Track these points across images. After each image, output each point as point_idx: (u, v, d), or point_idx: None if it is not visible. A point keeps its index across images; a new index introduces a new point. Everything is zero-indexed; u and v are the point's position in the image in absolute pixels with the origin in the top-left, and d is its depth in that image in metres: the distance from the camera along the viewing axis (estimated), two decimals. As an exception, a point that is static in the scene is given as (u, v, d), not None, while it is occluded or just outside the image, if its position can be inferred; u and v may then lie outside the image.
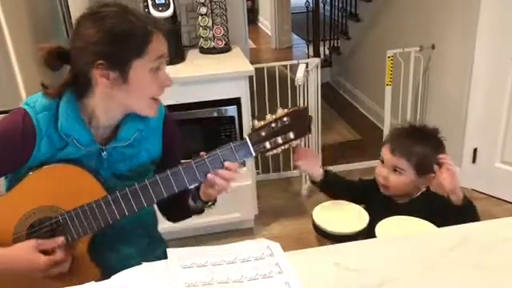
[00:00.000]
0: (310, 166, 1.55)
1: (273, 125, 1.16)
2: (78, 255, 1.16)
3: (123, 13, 1.10)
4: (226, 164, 1.16)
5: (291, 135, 1.17)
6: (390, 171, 1.54)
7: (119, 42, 1.07)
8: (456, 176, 1.40)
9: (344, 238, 1.39)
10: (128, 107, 1.16)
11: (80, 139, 1.14)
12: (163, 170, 1.17)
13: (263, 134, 1.16)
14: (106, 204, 1.12)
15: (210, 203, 1.30)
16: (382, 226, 1.37)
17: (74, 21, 1.15)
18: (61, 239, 1.13)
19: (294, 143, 1.18)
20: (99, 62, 1.07)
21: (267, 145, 1.17)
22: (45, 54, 1.11)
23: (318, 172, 1.56)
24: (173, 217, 1.42)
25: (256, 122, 1.19)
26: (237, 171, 1.18)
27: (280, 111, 1.18)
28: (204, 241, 2.50)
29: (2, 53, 1.94)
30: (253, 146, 1.16)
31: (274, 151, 1.18)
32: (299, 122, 1.17)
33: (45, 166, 1.13)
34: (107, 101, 1.13)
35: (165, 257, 1.23)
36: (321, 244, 1.48)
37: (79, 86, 1.13)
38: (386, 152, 1.55)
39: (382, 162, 1.57)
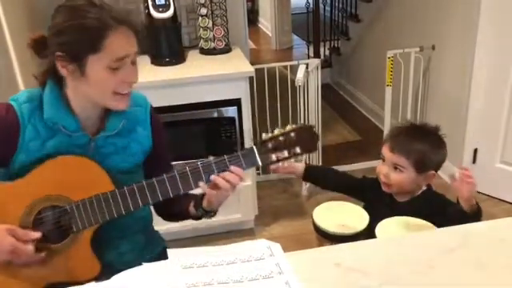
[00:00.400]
0: (286, 170, 1.60)
1: (280, 138, 1.20)
2: (80, 246, 1.18)
3: (87, 6, 1.10)
4: (232, 167, 1.18)
5: (298, 150, 1.21)
6: (391, 169, 1.54)
7: (73, 36, 1.09)
8: (475, 187, 1.41)
9: (344, 239, 1.39)
10: (94, 100, 1.17)
11: (66, 125, 1.17)
12: (153, 164, 1.19)
13: (270, 145, 1.20)
14: (113, 197, 1.15)
15: (211, 213, 1.30)
16: (382, 227, 1.37)
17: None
18: (37, 234, 1.13)
19: (300, 158, 1.22)
20: (58, 53, 1.10)
21: (273, 157, 1.20)
22: (31, 41, 1.14)
23: (296, 171, 1.64)
24: (167, 217, 1.43)
25: (264, 134, 1.23)
26: (242, 177, 1.19)
27: (288, 127, 1.22)
28: (204, 241, 2.50)
29: (2, 53, 1.94)
30: (259, 155, 1.19)
31: (280, 164, 1.22)
32: (305, 139, 1.21)
33: (60, 156, 1.16)
34: (76, 92, 1.17)
35: (163, 256, 1.23)
36: (321, 244, 1.48)
37: (56, 76, 1.16)
38: (385, 150, 1.56)
39: (383, 160, 1.58)
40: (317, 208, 1.52)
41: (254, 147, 1.19)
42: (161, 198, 1.17)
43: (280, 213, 2.79)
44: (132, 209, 1.16)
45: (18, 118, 1.15)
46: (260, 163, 1.20)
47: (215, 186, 1.19)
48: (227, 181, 1.17)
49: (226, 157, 1.18)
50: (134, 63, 1.17)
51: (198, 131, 2.37)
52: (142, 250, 1.35)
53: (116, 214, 1.16)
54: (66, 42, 1.09)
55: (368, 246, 1.13)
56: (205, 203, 1.26)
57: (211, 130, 2.36)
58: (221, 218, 2.50)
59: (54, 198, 1.16)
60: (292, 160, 1.22)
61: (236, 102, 2.34)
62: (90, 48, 1.08)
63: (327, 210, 1.53)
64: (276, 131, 1.21)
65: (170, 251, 1.05)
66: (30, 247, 1.12)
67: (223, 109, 2.33)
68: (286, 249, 1.05)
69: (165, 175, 1.16)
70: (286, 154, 1.20)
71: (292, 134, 1.20)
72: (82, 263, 1.18)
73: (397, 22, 3.52)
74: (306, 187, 2.93)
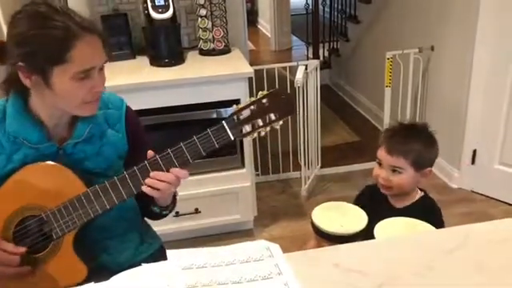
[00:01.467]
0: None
1: (252, 107, 1.12)
2: (64, 252, 1.16)
3: (49, 13, 1.04)
4: (171, 169, 1.12)
5: (273, 116, 1.13)
6: (390, 172, 1.55)
7: (35, 47, 1.03)
8: None
9: (343, 239, 1.39)
10: (61, 108, 1.13)
11: (29, 138, 1.13)
12: (133, 163, 1.16)
13: (241, 117, 1.13)
14: (87, 198, 1.12)
15: (169, 208, 1.27)
16: (380, 227, 1.37)
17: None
18: (22, 249, 1.12)
19: (277, 124, 1.14)
20: (19, 64, 1.04)
21: (247, 127, 1.13)
22: None
23: None
24: (146, 216, 1.40)
25: (235, 105, 1.16)
26: (179, 176, 1.13)
27: (260, 93, 1.14)
28: (203, 242, 2.50)
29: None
30: (230, 129, 1.12)
31: (255, 134, 1.14)
32: (280, 103, 1.13)
33: (27, 165, 1.12)
34: (42, 101, 1.12)
35: (160, 253, 1.22)
36: (320, 245, 1.48)
37: (19, 85, 1.10)
38: (382, 154, 1.56)
39: (380, 164, 1.57)
40: (316, 208, 1.52)
41: (224, 122, 1.12)
42: (135, 191, 1.13)
43: (279, 214, 2.79)
44: (108, 207, 1.13)
45: None
46: (232, 137, 1.12)
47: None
48: (162, 181, 1.12)
49: (195, 138, 1.12)
50: (101, 69, 1.12)
51: (197, 132, 2.36)
52: (136, 249, 1.33)
53: (93, 214, 1.13)
54: (29, 52, 1.03)
55: (367, 246, 1.13)
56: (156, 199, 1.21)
57: (210, 130, 2.36)
58: (220, 219, 2.51)
59: (29, 208, 1.13)
60: (268, 128, 1.14)
61: (235, 103, 2.32)
62: (55, 59, 1.03)
63: (326, 210, 1.52)
64: (247, 100, 1.14)
65: (169, 252, 1.04)
66: (16, 260, 1.11)
67: (222, 110, 2.33)
68: (285, 249, 1.05)
69: (135, 167, 1.12)
70: (260, 122, 1.12)
71: (264, 101, 1.12)
72: (67, 269, 1.17)
73: (396, 23, 3.52)
74: (305, 188, 2.93)
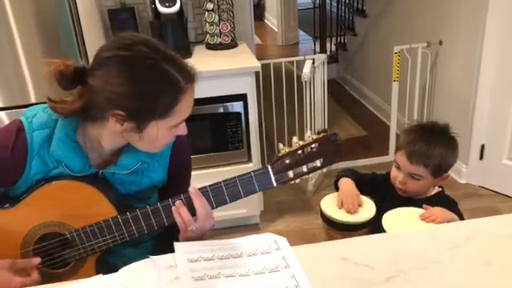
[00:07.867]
0: None
1: (299, 152, 1.07)
2: (85, 271, 1.13)
3: (156, 63, 0.98)
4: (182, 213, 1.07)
5: (318, 163, 1.08)
6: (407, 177, 1.51)
7: (144, 103, 0.98)
8: (442, 219, 1.36)
9: (351, 227, 1.40)
10: (131, 143, 1.09)
11: (71, 166, 1.08)
12: (168, 191, 1.13)
13: (287, 162, 1.07)
14: (116, 224, 1.09)
15: None
16: (388, 217, 1.37)
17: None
18: (37, 260, 1.08)
19: (319, 172, 1.09)
20: (117, 112, 0.99)
21: (290, 174, 1.08)
22: (56, 73, 1.00)
23: None
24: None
25: (281, 145, 1.10)
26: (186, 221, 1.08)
27: (308, 135, 1.09)
28: (209, 236, 2.51)
29: (12, 51, 1.96)
30: (275, 175, 1.08)
31: (297, 181, 1.09)
32: (328, 150, 1.08)
33: (55, 181, 1.08)
34: (115, 136, 1.07)
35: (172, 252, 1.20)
36: (329, 235, 1.48)
37: (90, 114, 1.05)
38: (401, 159, 1.51)
39: (398, 167, 1.54)
40: (325, 197, 1.52)
41: (269, 167, 1.08)
42: (166, 224, 1.11)
43: (285, 208, 2.80)
44: (137, 235, 1.11)
45: (26, 146, 1.06)
46: (275, 184, 1.08)
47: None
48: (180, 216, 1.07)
49: (237, 179, 1.09)
50: None
51: (203, 126, 2.37)
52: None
53: (120, 241, 1.11)
54: (131, 106, 0.98)
55: (375, 240, 1.13)
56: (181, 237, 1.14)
57: (217, 125, 2.36)
58: (226, 214, 2.50)
59: (54, 225, 1.10)
60: (310, 175, 1.09)
61: (242, 97, 2.33)
62: (160, 114, 0.99)
63: (335, 199, 1.52)
64: (294, 141, 1.09)
65: (176, 245, 1.05)
66: (36, 276, 1.06)
67: (229, 104, 2.33)
68: (291, 244, 1.05)
69: (170, 200, 1.09)
70: (304, 169, 1.08)
71: (313, 146, 1.07)
72: None
73: (404, 17, 3.50)
74: (311, 183, 2.93)
